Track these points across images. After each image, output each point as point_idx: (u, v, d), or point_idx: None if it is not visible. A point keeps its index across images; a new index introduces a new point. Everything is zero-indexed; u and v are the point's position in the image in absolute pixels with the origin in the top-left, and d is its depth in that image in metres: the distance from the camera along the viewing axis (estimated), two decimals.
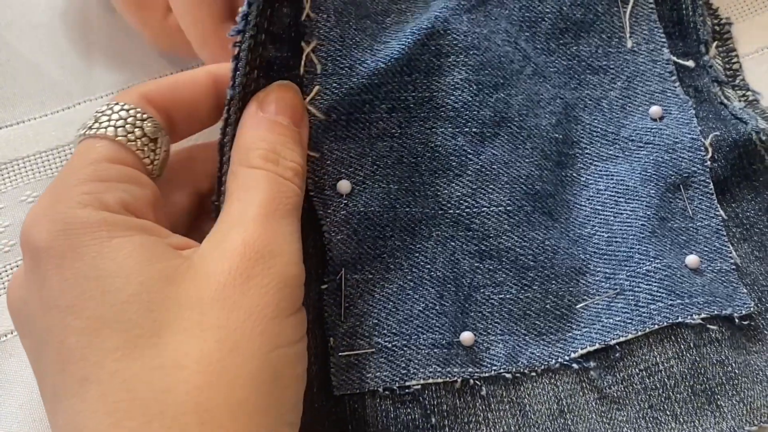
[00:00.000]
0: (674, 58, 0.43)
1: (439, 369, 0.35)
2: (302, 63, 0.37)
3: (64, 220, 0.29)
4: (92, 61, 0.46)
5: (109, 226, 0.29)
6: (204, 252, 0.30)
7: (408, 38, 0.39)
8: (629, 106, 0.42)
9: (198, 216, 0.37)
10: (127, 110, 0.32)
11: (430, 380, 0.35)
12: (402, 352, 0.35)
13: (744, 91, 0.43)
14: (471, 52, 0.39)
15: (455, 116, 0.39)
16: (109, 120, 0.32)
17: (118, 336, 0.27)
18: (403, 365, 0.35)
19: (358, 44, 0.38)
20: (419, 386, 0.35)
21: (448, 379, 0.35)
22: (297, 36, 0.37)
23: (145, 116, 0.32)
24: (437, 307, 0.36)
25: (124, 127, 0.32)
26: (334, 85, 0.37)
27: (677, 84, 0.42)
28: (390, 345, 0.36)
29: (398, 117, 0.38)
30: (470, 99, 0.39)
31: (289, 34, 0.36)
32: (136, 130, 0.32)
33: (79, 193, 0.29)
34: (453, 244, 0.38)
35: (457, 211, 0.38)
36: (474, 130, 0.39)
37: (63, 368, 0.27)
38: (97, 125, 0.32)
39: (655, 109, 0.41)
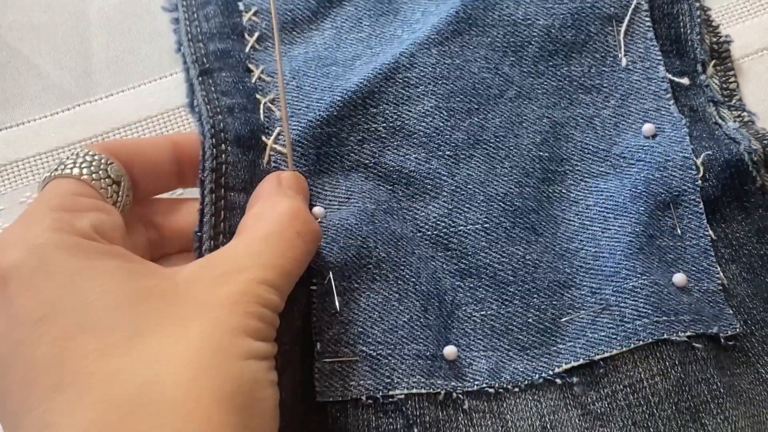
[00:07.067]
0: (670, 76, 0.43)
1: (423, 380, 0.35)
2: (260, 111, 0.40)
3: (36, 242, 0.29)
4: (92, 63, 0.46)
5: (85, 249, 0.29)
6: (193, 273, 0.30)
7: (369, 73, 0.41)
8: (622, 124, 0.42)
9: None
10: (93, 155, 0.34)
11: (414, 390, 0.35)
12: (386, 361, 0.36)
13: (740, 112, 0.43)
14: (440, 82, 0.41)
15: (428, 141, 0.40)
16: (74, 163, 0.33)
17: (97, 340, 0.27)
18: (387, 374, 0.35)
19: (316, 87, 0.41)
20: (402, 396, 0.35)
21: (431, 390, 0.35)
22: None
23: (109, 161, 0.34)
24: (422, 320, 0.37)
25: (89, 168, 0.33)
26: (293, 123, 0.39)
27: (672, 102, 0.42)
28: (374, 354, 0.36)
29: (370, 147, 0.40)
30: (441, 124, 0.40)
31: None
32: (101, 171, 0.33)
33: (49, 219, 0.30)
34: (433, 264, 0.38)
35: (435, 232, 0.39)
36: (447, 153, 0.40)
37: (32, 380, 0.27)
38: (62, 167, 0.33)
39: (648, 127, 0.42)
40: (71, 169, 0.33)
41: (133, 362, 0.26)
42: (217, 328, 0.28)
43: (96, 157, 0.34)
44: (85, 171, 0.33)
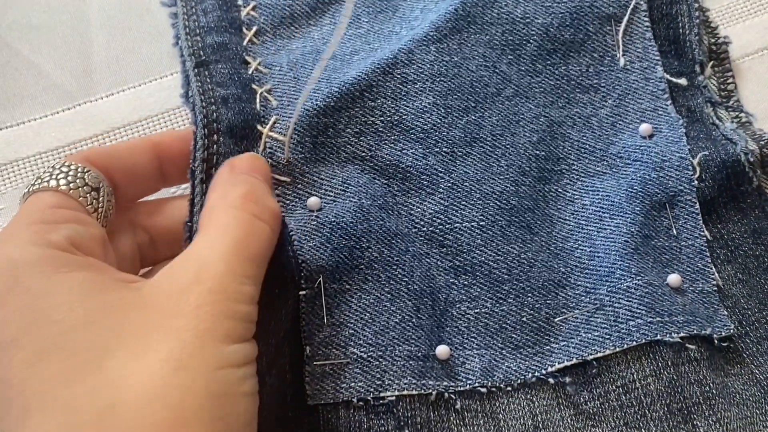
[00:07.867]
0: (668, 77, 0.43)
1: (414, 381, 0.36)
2: (257, 101, 0.41)
3: (9, 259, 0.29)
4: (92, 62, 0.47)
5: (54, 263, 0.29)
6: (157, 282, 0.30)
7: (367, 67, 0.41)
8: (619, 124, 0.42)
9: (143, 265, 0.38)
10: (68, 165, 0.34)
11: (405, 392, 0.35)
12: (377, 363, 0.36)
13: (737, 113, 0.43)
14: (438, 79, 0.41)
15: (425, 137, 0.40)
16: (51, 175, 0.33)
17: (61, 363, 0.27)
18: (378, 376, 0.35)
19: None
20: (394, 398, 0.35)
21: (422, 391, 0.36)
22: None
23: (86, 169, 0.34)
24: (414, 320, 0.37)
25: (66, 178, 0.33)
26: (290, 111, 0.39)
27: (669, 102, 0.42)
28: (366, 356, 0.36)
29: (367, 140, 0.40)
30: (439, 121, 0.41)
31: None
32: (78, 180, 0.34)
33: (26, 233, 0.30)
34: (428, 260, 0.38)
35: (431, 228, 0.39)
36: (444, 149, 0.40)
37: (7, 404, 0.27)
38: (39, 181, 0.33)
39: (645, 127, 0.42)
40: (48, 181, 0.33)
41: (93, 386, 0.26)
42: (179, 341, 0.27)
43: (72, 167, 0.34)
44: (62, 182, 0.33)
